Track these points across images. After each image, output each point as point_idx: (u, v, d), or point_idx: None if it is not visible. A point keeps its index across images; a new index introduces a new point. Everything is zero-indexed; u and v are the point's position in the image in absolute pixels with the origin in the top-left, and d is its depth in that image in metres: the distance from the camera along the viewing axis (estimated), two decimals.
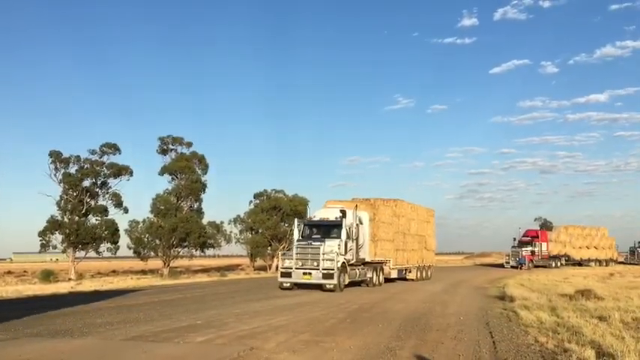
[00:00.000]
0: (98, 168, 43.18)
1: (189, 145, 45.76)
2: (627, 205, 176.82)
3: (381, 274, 26.92)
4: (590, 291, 18.08)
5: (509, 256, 54.82)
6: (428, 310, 15.48)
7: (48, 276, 37.45)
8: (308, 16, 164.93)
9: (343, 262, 22.51)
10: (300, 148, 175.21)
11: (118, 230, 43.19)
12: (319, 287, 22.11)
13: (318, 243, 22.47)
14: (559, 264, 55.79)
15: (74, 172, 42.49)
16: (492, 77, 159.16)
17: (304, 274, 22.31)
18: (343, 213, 23.37)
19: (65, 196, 41.97)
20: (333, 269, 21.82)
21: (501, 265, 56.26)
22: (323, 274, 21.91)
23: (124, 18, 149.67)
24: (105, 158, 43.51)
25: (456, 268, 62.13)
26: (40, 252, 45.72)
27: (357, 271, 24.13)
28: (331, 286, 21.67)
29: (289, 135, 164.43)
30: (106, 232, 42.54)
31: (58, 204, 41.87)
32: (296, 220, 25.38)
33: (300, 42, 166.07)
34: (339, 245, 22.53)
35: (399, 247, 29.25)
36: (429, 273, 34.12)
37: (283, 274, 23.00)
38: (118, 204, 43.80)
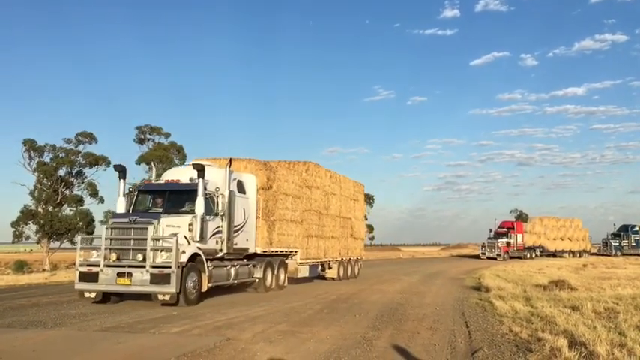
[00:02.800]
0: (74, 157, 42.52)
1: (168, 135, 45.19)
2: (601, 197, 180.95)
3: (281, 272, 18.78)
4: (564, 281, 18.36)
5: (485, 247, 55.47)
6: (405, 301, 15.58)
7: (22, 267, 36.78)
8: (288, 5, 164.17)
9: (195, 254, 13.89)
10: (280, 138, 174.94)
11: (94, 220, 42.58)
12: (149, 298, 13.76)
13: (146, 220, 13.71)
14: (534, 255, 56.63)
15: (49, 162, 41.81)
16: (472, 69, 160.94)
17: (120, 275, 13.26)
18: (200, 171, 14.33)
19: (39, 186, 41.22)
20: (169, 266, 13.02)
21: (477, 256, 56.92)
22: (152, 275, 13.05)
23: (102, 5, 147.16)
24: (81, 147, 42.86)
25: (432, 259, 62.76)
26: (13, 242, 45.00)
27: (232, 270, 15.87)
28: (166, 297, 13.10)
29: (269, 125, 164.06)
30: (80, 223, 41.97)
31: (32, 194, 41.09)
32: (121, 182, 15.42)
33: (281, 32, 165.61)
34: (190, 225, 14.08)
35: (312, 232, 21.03)
36: (357, 269, 26.34)
37: (84, 277, 13.71)
38: (94, 194, 43.14)
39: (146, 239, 13.40)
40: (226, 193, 15.30)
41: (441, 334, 10.05)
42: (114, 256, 13.45)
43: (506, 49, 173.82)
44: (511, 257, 52.79)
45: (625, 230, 65.55)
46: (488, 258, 52.58)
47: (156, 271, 13.13)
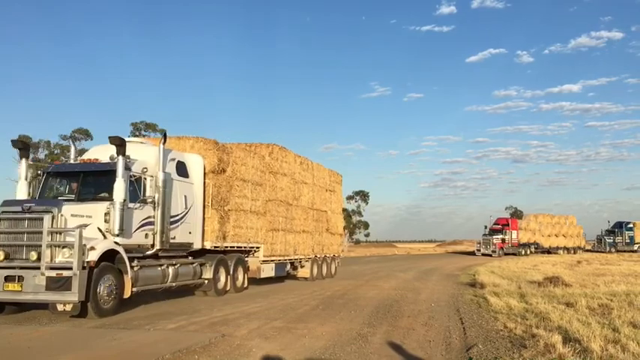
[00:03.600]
0: (68, 153, 42.46)
1: (163, 131, 45.21)
2: (596, 194, 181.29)
3: (239, 271, 16.28)
4: (558, 278, 18.46)
5: (480, 243, 55.62)
6: (400, 297, 15.61)
7: None
8: (285, 1, 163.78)
9: (111, 251, 11.22)
10: (275, 134, 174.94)
11: None
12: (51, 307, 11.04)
13: (44, 208, 10.85)
14: (528, 251, 56.81)
15: (43, 158, 41.75)
16: (469, 66, 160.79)
17: (8, 279, 10.49)
18: (119, 146, 11.61)
19: (34, 183, 41.20)
20: (70, 267, 10.33)
21: (473, 253, 57.08)
22: (48, 279, 10.29)
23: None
24: (77, 144, 42.81)
25: (428, 255, 62.87)
26: None
27: (170, 270, 13.18)
28: (67, 307, 10.65)
29: (265, 122, 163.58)
30: None
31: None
32: (23, 162, 12.82)
33: (277, 28, 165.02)
34: (106, 214, 11.40)
35: (279, 225, 18.45)
36: (334, 268, 23.89)
37: None
38: None
39: (42, 232, 10.49)
40: (160, 176, 12.47)
41: (436, 330, 10.08)
42: (1, 254, 10.61)
43: (503, 46, 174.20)
44: (506, 254, 52.96)
45: (619, 227, 65.81)
46: (484, 255, 52.73)
47: (53, 273, 10.23)
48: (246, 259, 16.97)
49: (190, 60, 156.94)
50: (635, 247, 63.13)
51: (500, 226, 55.87)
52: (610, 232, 66.17)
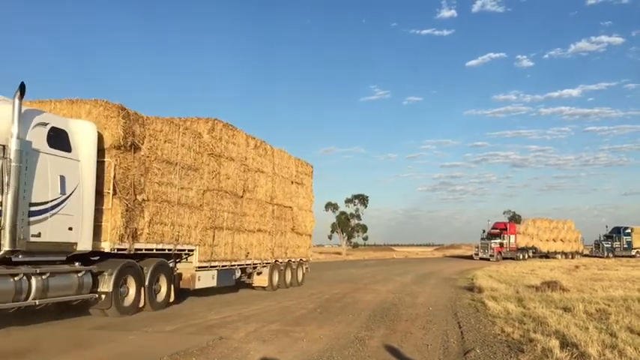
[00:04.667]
0: None
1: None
2: (594, 199, 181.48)
3: (162, 282, 12.75)
4: (556, 283, 18.46)
5: (478, 247, 55.65)
6: (398, 301, 15.61)
7: None
8: (285, 3, 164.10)
9: None
10: (274, 137, 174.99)
11: None
12: None
13: None
14: (526, 256, 56.82)
15: None
16: (468, 70, 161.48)
17: None
18: None
19: None
20: None
21: (470, 257, 57.10)
22: None
23: None
24: None
25: (426, 259, 62.90)
26: None
27: (33, 282, 9.44)
28: None
29: (263, 124, 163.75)
30: None
31: None
32: None
33: (277, 30, 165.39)
34: None
35: (222, 222, 15.02)
36: (300, 275, 20.84)
37: None
38: None
39: None
40: (13, 145, 8.93)
41: (433, 334, 10.08)
42: None
43: (503, 50, 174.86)
44: (504, 258, 52.97)
45: (617, 232, 65.85)
46: (481, 259, 52.76)
47: None
48: (172, 265, 13.35)
49: (189, 62, 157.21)
50: (633, 252, 63.15)
51: (498, 231, 55.93)
52: (608, 237, 66.20)
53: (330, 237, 71.69)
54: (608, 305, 13.54)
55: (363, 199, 70.10)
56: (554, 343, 8.39)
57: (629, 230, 65.41)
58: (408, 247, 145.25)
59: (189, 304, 13.98)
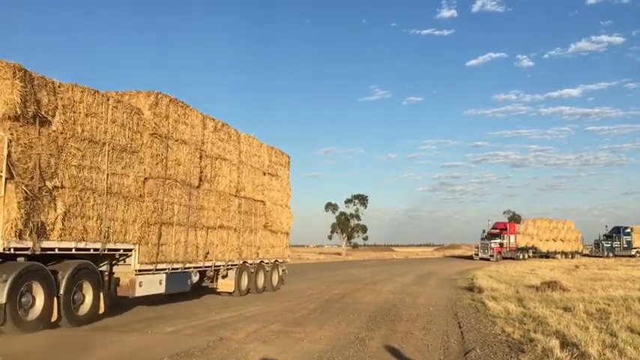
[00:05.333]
0: None
1: None
2: (595, 199, 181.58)
3: (85, 290, 10.39)
4: (556, 282, 18.46)
5: (478, 248, 55.67)
6: (398, 301, 15.62)
7: None
8: (285, 3, 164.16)
9: None
10: (274, 137, 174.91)
11: None
12: None
13: None
14: (526, 256, 56.83)
15: None
16: (469, 70, 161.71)
17: None
18: None
19: None
20: None
21: (470, 257, 57.11)
22: None
23: None
24: None
25: (426, 259, 62.91)
26: None
27: None
28: None
29: (264, 124, 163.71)
30: None
31: None
32: None
33: (277, 30, 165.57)
34: None
35: (172, 216, 12.84)
36: (276, 279, 18.56)
37: None
38: None
39: None
40: None
41: (433, 334, 10.09)
42: None
43: (503, 50, 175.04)
44: (504, 258, 52.97)
45: (617, 232, 65.88)
46: (481, 259, 52.77)
47: None
48: (105, 268, 11.29)
49: (187, 60, 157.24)
50: (633, 252, 63.18)
51: (498, 231, 55.94)
52: (608, 236, 66.23)
53: (330, 237, 71.65)
54: (609, 305, 13.55)
55: (362, 200, 70.05)
56: (555, 342, 8.39)
57: (628, 230, 65.43)
58: (408, 247, 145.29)
59: (188, 304, 13.97)
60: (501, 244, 54.47)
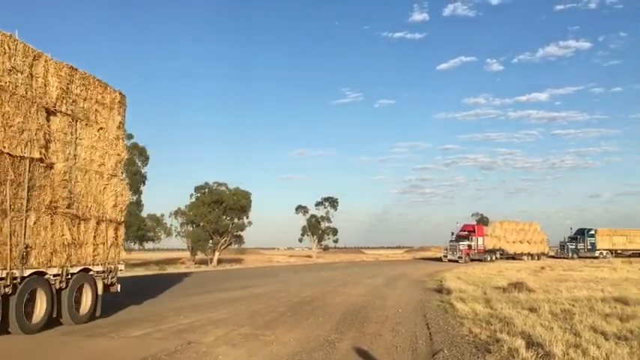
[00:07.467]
0: None
1: (130, 137, 44.51)
2: (560, 202, 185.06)
3: None
4: (522, 284, 18.78)
5: (447, 250, 56.24)
6: (368, 303, 15.68)
7: None
8: (258, 5, 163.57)
9: None
10: (246, 140, 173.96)
11: None
12: None
13: None
14: (494, 258, 57.61)
15: None
16: (439, 73, 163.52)
17: None
18: None
19: None
20: None
21: (440, 259, 57.66)
22: None
23: None
24: None
25: (396, 262, 63.25)
26: None
27: None
28: None
29: (235, 127, 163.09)
30: None
31: None
32: None
33: (250, 32, 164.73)
34: None
35: None
36: (88, 301, 11.41)
37: None
38: None
39: None
40: None
41: (402, 336, 10.16)
42: None
43: (473, 54, 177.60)
44: (472, 260, 53.58)
45: (581, 234, 67.31)
46: (450, 261, 53.29)
47: None
48: None
49: (164, 66, 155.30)
50: (597, 254, 64.62)
51: (466, 233, 56.58)
52: (572, 238, 67.62)
53: (300, 240, 71.60)
54: (573, 305, 13.84)
55: (333, 202, 70.18)
56: (520, 343, 8.54)
57: (592, 232, 66.94)
58: (378, 249, 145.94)
59: (157, 308, 13.79)
60: (470, 246, 55.10)
